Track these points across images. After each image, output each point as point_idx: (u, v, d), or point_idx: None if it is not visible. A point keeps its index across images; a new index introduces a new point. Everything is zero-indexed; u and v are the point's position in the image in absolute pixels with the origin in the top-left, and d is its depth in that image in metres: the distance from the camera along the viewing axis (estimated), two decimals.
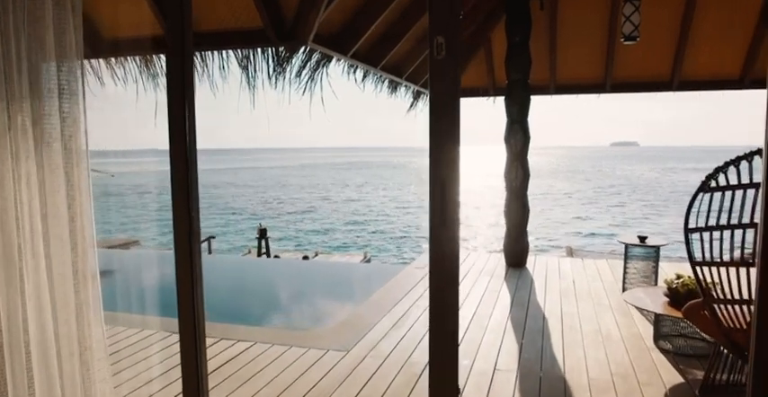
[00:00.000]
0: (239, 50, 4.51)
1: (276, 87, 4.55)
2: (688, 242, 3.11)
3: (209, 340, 4.64)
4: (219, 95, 4.76)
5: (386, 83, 7.12)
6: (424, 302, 5.77)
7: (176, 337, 2.64)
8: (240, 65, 4.62)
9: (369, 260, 16.36)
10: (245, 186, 62.19)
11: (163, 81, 5.01)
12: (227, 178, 74.15)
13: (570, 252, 9.17)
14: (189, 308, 2.73)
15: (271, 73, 4.52)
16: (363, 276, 8.68)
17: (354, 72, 5.97)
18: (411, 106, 8.74)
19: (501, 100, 7.45)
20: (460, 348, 4.35)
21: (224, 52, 4.64)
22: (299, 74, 4.98)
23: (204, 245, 16.18)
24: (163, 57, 4.84)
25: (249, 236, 25.91)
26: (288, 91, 4.79)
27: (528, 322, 5.02)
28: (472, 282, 6.50)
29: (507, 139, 7.31)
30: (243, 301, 7.13)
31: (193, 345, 2.79)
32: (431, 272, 2.31)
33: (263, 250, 15.95)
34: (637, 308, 4.92)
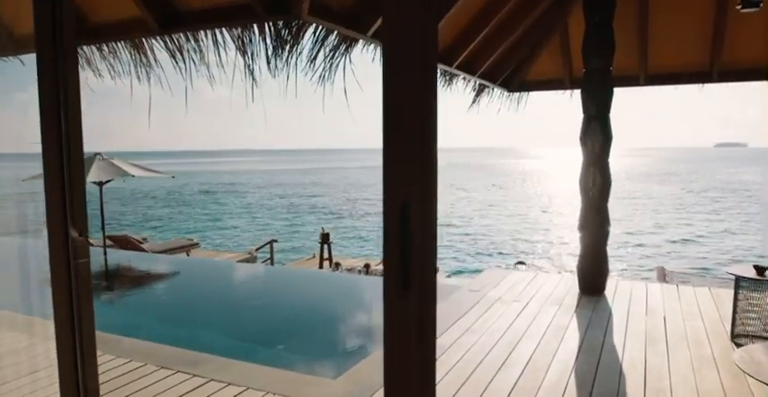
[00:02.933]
0: (233, 30, 3.69)
1: (275, 75, 3.68)
2: None
3: (197, 380, 3.86)
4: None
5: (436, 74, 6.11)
6: (470, 338, 4.73)
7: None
8: (239, 50, 3.80)
9: (436, 270, 15.35)
10: (329, 185, 62.93)
11: (158, 71, 4.33)
12: (312, 178, 75.44)
13: (662, 276, 7.69)
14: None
15: (270, 57, 3.66)
16: None
17: None
18: (473, 102, 7.68)
19: (579, 94, 6.22)
20: None
21: (220, 37, 3.86)
22: (313, 60, 4.10)
23: (266, 250, 15.81)
24: (156, 43, 4.14)
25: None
26: (297, 80, 3.91)
27: (598, 377, 3.84)
28: (534, 313, 5.34)
29: (583, 140, 6.07)
30: (253, 326, 6.36)
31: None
32: (385, 383, 1.31)
33: (326, 255, 15.35)
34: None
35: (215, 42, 3.83)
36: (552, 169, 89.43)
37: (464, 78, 6.71)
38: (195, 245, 13.92)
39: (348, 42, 4.22)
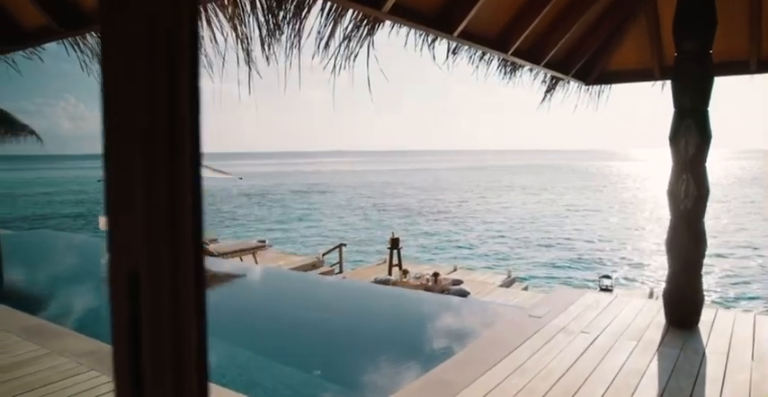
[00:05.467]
0: (226, 9, 3.13)
1: (270, 63, 3.08)
2: None
3: None
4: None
5: (493, 63, 5.29)
6: (518, 380, 3.89)
7: None
8: (234, 31, 3.24)
9: (513, 280, 14.33)
10: (418, 188, 62.63)
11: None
12: (401, 178, 75.44)
13: None
14: None
15: (264, 40, 3.06)
16: (451, 321, 6.76)
17: (431, 45, 4.27)
18: (544, 98, 6.73)
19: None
20: None
21: (217, 20, 3.32)
22: (325, 46, 3.47)
23: (334, 254, 15.47)
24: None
25: (410, 242, 25.49)
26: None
27: None
28: (604, 350, 4.39)
29: (674, 140, 4.99)
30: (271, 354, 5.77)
31: None
32: None
33: (395, 261, 14.77)
34: None
35: (209, 24, 3.31)
36: (657, 172, 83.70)
37: (530, 69, 5.83)
38: (263, 247, 13.76)
39: (370, 23, 3.56)
